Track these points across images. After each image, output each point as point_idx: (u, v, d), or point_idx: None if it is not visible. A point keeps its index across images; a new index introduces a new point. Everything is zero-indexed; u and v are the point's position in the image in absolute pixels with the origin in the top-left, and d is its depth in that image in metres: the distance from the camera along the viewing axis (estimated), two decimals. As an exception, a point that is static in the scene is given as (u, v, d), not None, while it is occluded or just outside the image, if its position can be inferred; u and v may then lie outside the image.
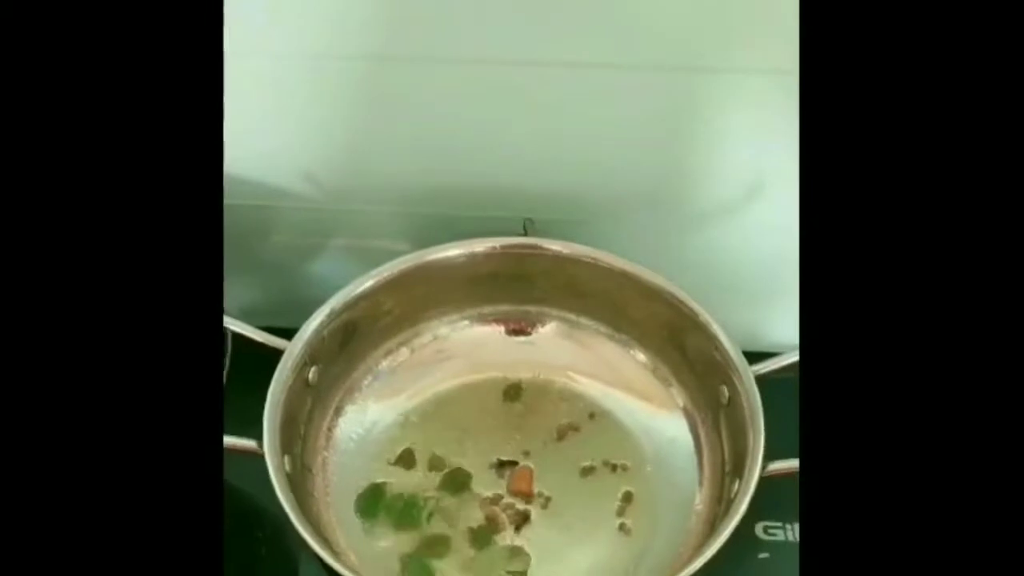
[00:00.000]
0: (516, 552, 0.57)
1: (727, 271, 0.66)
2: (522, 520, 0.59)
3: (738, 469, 0.56)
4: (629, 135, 0.61)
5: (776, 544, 0.61)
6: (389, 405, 0.64)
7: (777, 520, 0.62)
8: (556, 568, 0.57)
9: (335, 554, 0.51)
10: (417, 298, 0.64)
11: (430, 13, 0.56)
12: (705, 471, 0.60)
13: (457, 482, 0.60)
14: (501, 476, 0.60)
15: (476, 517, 0.59)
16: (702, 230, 0.66)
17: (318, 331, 0.59)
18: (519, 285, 0.65)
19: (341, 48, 0.58)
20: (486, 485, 0.60)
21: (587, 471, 0.61)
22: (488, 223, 0.63)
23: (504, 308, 0.66)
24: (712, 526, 0.56)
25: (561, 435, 0.62)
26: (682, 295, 0.60)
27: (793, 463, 0.54)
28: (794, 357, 0.58)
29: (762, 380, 0.57)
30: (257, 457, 0.54)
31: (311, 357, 0.59)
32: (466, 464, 0.61)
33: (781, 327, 0.66)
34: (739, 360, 0.57)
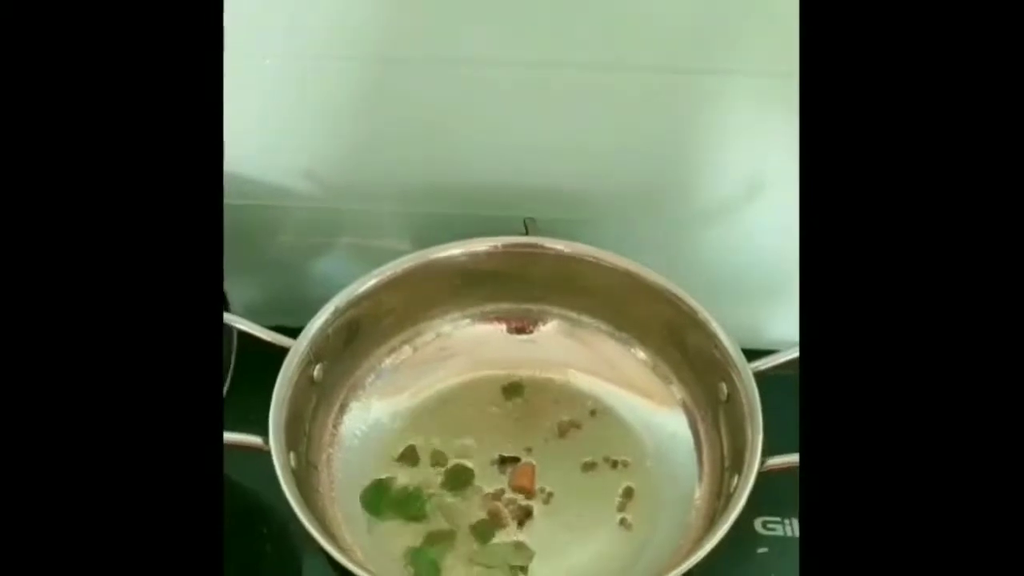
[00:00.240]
0: (519, 547, 0.58)
1: (726, 270, 0.66)
2: (524, 516, 0.59)
3: (737, 465, 0.56)
4: (630, 135, 0.61)
5: (775, 539, 0.62)
6: (393, 402, 0.64)
7: (776, 515, 0.62)
8: (558, 563, 0.57)
9: (341, 550, 0.51)
10: (420, 297, 0.64)
11: (433, 13, 0.56)
12: (704, 467, 0.61)
13: (460, 479, 0.60)
14: (503, 472, 0.61)
15: (479, 513, 0.59)
16: (702, 229, 0.66)
17: (322, 329, 0.59)
18: (520, 284, 0.65)
19: (344, 48, 0.58)
20: (488, 481, 0.60)
21: (588, 467, 0.61)
22: (490, 222, 0.64)
23: (506, 306, 0.67)
24: (711, 521, 0.56)
25: (562, 432, 0.63)
26: (682, 293, 0.60)
27: (791, 458, 0.54)
28: (792, 354, 0.58)
29: (761, 377, 0.57)
30: (262, 454, 0.54)
31: (316, 355, 0.59)
32: (468, 461, 0.61)
33: (779, 325, 0.67)
34: (738, 357, 0.58)
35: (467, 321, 0.67)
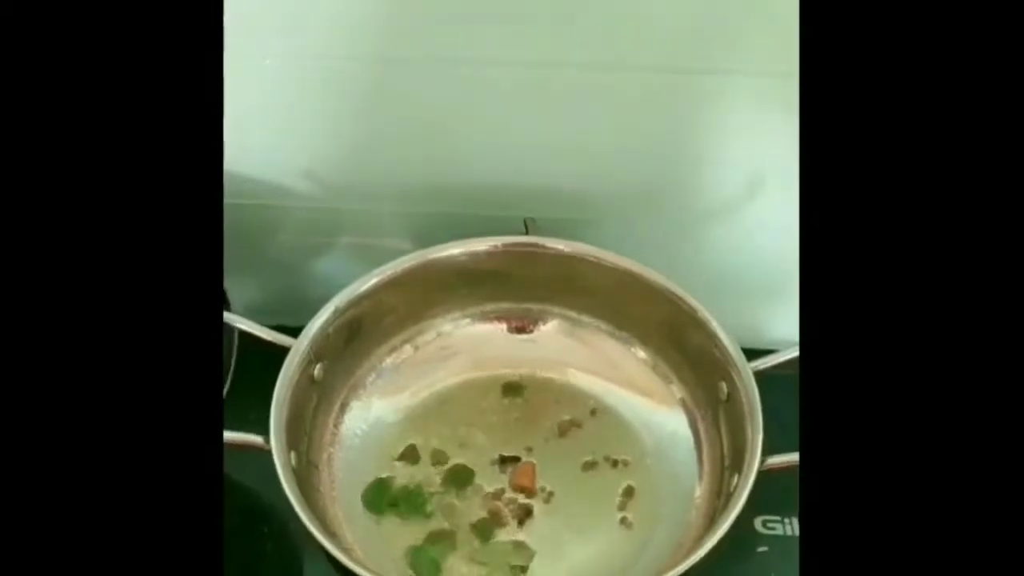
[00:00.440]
0: (520, 546, 0.58)
1: (727, 269, 0.67)
2: (525, 515, 0.59)
3: (737, 464, 0.56)
4: (630, 135, 0.61)
5: (774, 538, 0.62)
6: (393, 402, 0.64)
7: (775, 514, 0.62)
8: (558, 561, 0.58)
9: (342, 549, 0.52)
10: (420, 296, 0.64)
11: (433, 13, 0.56)
12: (705, 466, 0.61)
13: (460, 478, 0.61)
14: (504, 471, 0.61)
15: (479, 512, 0.59)
16: (702, 229, 0.66)
17: (323, 329, 0.59)
18: (521, 283, 0.66)
19: (345, 48, 0.58)
20: (489, 481, 0.61)
21: (589, 466, 0.61)
22: (490, 222, 0.64)
23: (506, 306, 0.67)
24: (711, 520, 0.57)
25: (563, 431, 0.63)
26: (682, 293, 0.60)
27: (791, 457, 0.54)
28: (792, 353, 0.58)
29: (760, 376, 0.57)
30: (263, 454, 0.54)
31: (316, 354, 0.59)
32: (469, 460, 0.61)
33: (779, 324, 0.67)
34: (738, 357, 0.58)
35: (468, 320, 0.67)
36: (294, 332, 0.59)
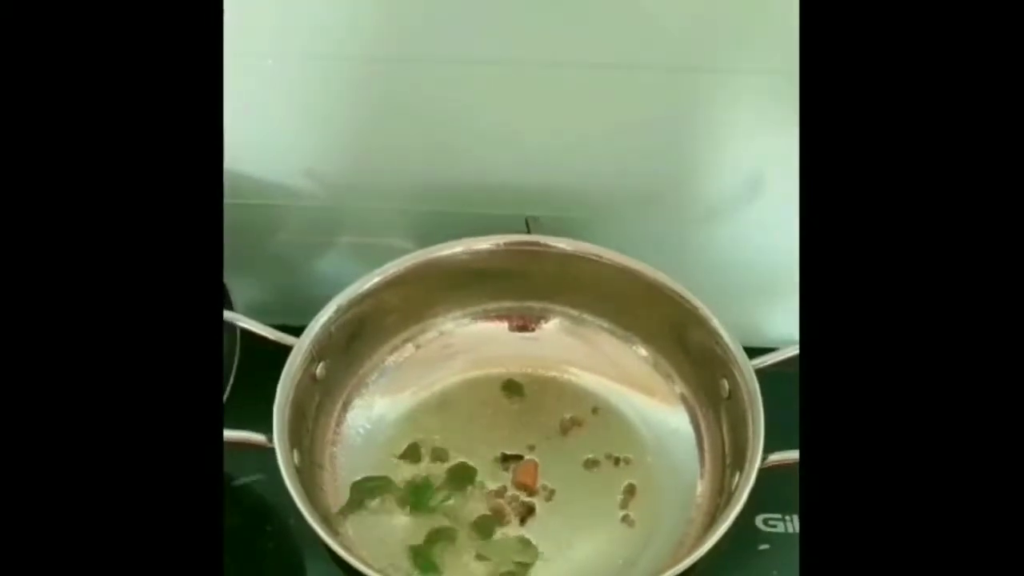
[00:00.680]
0: (524, 544, 0.58)
1: (728, 267, 0.67)
2: (527, 513, 0.59)
3: (739, 461, 0.56)
4: (632, 134, 0.62)
5: (776, 535, 0.62)
6: (395, 400, 0.64)
7: (777, 512, 0.62)
8: (560, 560, 0.58)
9: (345, 547, 0.52)
10: (422, 295, 0.65)
11: (434, 13, 0.57)
12: (706, 464, 0.61)
13: (462, 476, 0.61)
14: (506, 470, 0.61)
15: (481, 510, 0.59)
16: (703, 227, 0.66)
17: (325, 327, 0.60)
18: (522, 282, 0.66)
19: (346, 48, 0.58)
20: (491, 479, 0.61)
21: (590, 464, 0.61)
22: (491, 221, 0.64)
23: (508, 305, 0.67)
24: (713, 518, 0.57)
25: (565, 429, 0.63)
26: (683, 291, 0.60)
27: (792, 455, 0.54)
28: (793, 351, 0.58)
29: (762, 374, 0.57)
30: (265, 452, 0.54)
31: (319, 353, 0.59)
32: (471, 458, 0.61)
33: (781, 322, 0.67)
34: (739, 354, 0.58)
35: (469, 319, 0.67)
36: (296, 331, 0.59)
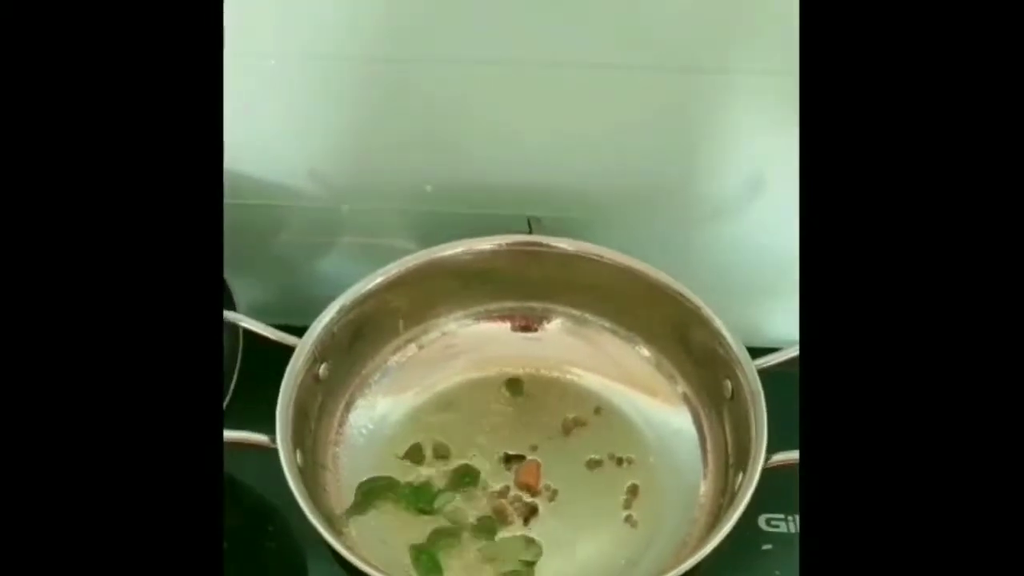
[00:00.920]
0: (529, 542, 0.58)
1: (730, 267, 0.67)
2: (530, 513, 0.59)
3: (741, 462, 0.56)
4: (633, 134, 0.62)
5: (779, 535, 0.62)
6: (398, 401, 0.64)
7: (780, 512, 0.62)
8: (563, 559, 0.58)
9: (347, 547, 0.52)
10: (425, 295, 0.65)
11: (435, 14, 0.57)
12: (709, 464, 0.61)
13: (465, 477, 0.61)
14: (508, 470, 0.61)
15: (484, 511, 0.59)
16: (705, 227, 0.66)
17: (328, 328, 0.60)
18: (525, 282, 0.66)
19: (349, 49, 0.58)
20: (494, 479, 0.61)
21: (593, 464, 0.61)
22: (493, 221, 0.64)
23: (510, 305, 0.67)
24: (716, 518, 0.56)
25: (567, 430, 0.63)
26: (686, 291, 0.60)
27: (795, 455, 0.54)
28: (796, 351, 0.58)
29: (765, 374, 0.57)
30: (268, 453, 0.54)
31: (321, 354, 0.60)
32: (474, 459, 0.61)
33: (783, 322, 0.67)
34: (742, 354, 0.58)
35: (472, 319, 0.67)
36: (299, 332, 0.59)
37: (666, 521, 0.59)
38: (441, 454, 0.62)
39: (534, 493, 0.60)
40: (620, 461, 0.62)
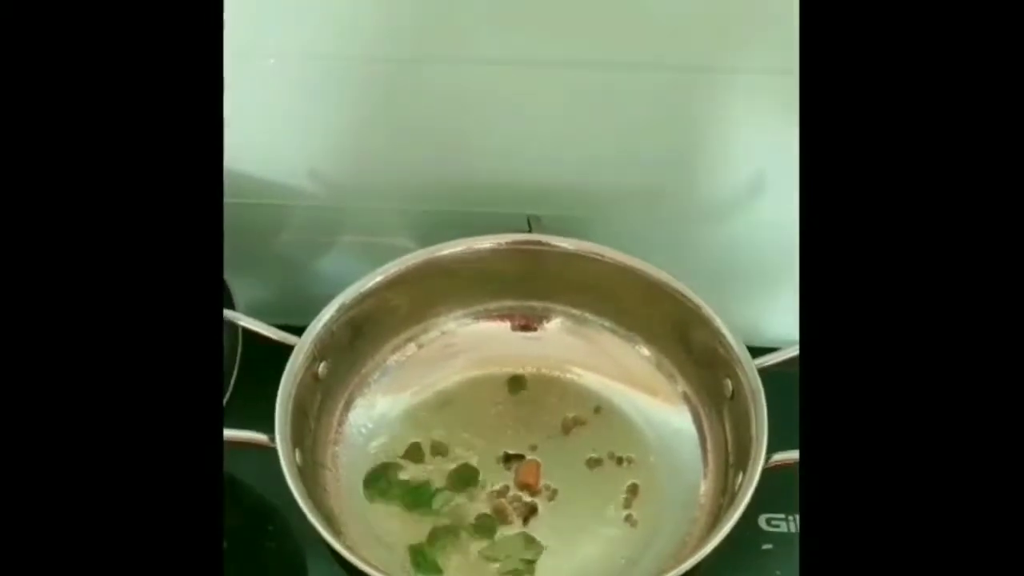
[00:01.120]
0: (529, 540, 0.58)
1: (731, 266, 0.67)
2: (529, 512, 0.59)
3: (742, 461, 0.56)
4: (633, 133, 0.62)
5: (779, 535, 0.62)
6: (397, 400, 0.64)
7: (780, 512, 0.62)
8: (563, 559, 0.58)
9: (347, 546, 0.52)
10: (424, 294, 0.65)
11: (436, 14, 0.57)
12: (709, 463, 0.61)
13: (465, 477, 0.61)
14: (508, 469, 0.61)
15: (484, 510, 0.59)
16: (705, 226, 0.66)
17: (327, 327, 0.60)
18: (525, 281, 0.66)
19: (348, 48, 0.58)
20: (493, 478, 0.61)
21: (593, 464, 0.61)
22: (493, 220, 0.64)
23: (510, 304, 0.67)
24: (716, 517, 0.56)
25: (567, 429, 0.63)
26: (686, 290, 0.60)
27: (796, 455, 0.54)
28: (796, 351, 0.58)
29: (765, 373, 0.57)
30: (267, 452, 0.54)
31: (321, 352, 0.59)
32: (473, 458, 0.61)
33: (784, 322, 0.67)
34: (742, 354, 0.58)
35: (471, 319, 0.67)
36: (298, 331, 0.59)
37: (666, 521, 0.59)
38: (440, 454, 0.62)
39: (534, 492, 0.60)
40: (620, 460, 0.62)
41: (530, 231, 0.64)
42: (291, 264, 0.70)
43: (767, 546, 0.61)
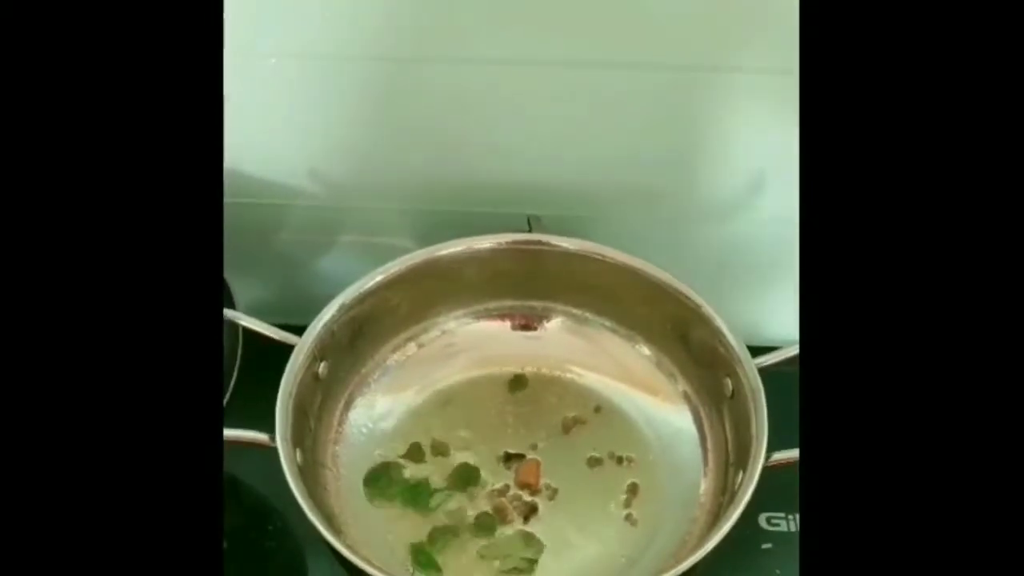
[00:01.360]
0: (529, 539, 0.58)
1: (730, 265, 0.67)
2: (530, 512, 0.59)
3: (742, 460, 0.56)
4: (633, 132, 0.62)
5: (779, 534, 0.62)
6: (397, 399, 0.64)
7: (780, 511, 0.62)
8: (563, 558, 0.58)
9: (347, 546, 0.52)
10: (425, 294, 0.65)
11: (436, 14, 0.57)
12: (709, 463, 0.61)
13: (465, 476, 0.61)
14: (508, 469, 0.61)
15: (484, 509, 0.59)
16: (705, 225, 0.66)
17: (328, 326, 0.60)
18: (525, 281, 0.66)
19: (349, 48, 0.58)
20: (494, 478, 0.61)
21: (593, 463, 0.61)
22: (494, 220, 0.64)
23: (510, 303, 0.67)
24: (716, 516, 0.56)
25: (567, 428, 0.63)
26: (686, 289, 0.60)
27: (796, 454, 0.54)
28: (796, 350, 0.58)
29: (765, 372, 0.57)
30: (268, 451, 0.54)
31: (321, 352, 0.60)
32: (474, 458, 0.61)
33: (784, 321, 0.67)
34: (742, 353, 0.58)
35: (472, 318, 0.67)
36: (298, 330, 0.59)
37: (666, 520, 0.59)
38: (441, 453, 0.62)
39: (534, 492, 0.60)
40: (620, 460, 0.62)
41: (530, 231, 0.64)
42: (291, 264, 0.71)
43: (767, 545, 0.61)
